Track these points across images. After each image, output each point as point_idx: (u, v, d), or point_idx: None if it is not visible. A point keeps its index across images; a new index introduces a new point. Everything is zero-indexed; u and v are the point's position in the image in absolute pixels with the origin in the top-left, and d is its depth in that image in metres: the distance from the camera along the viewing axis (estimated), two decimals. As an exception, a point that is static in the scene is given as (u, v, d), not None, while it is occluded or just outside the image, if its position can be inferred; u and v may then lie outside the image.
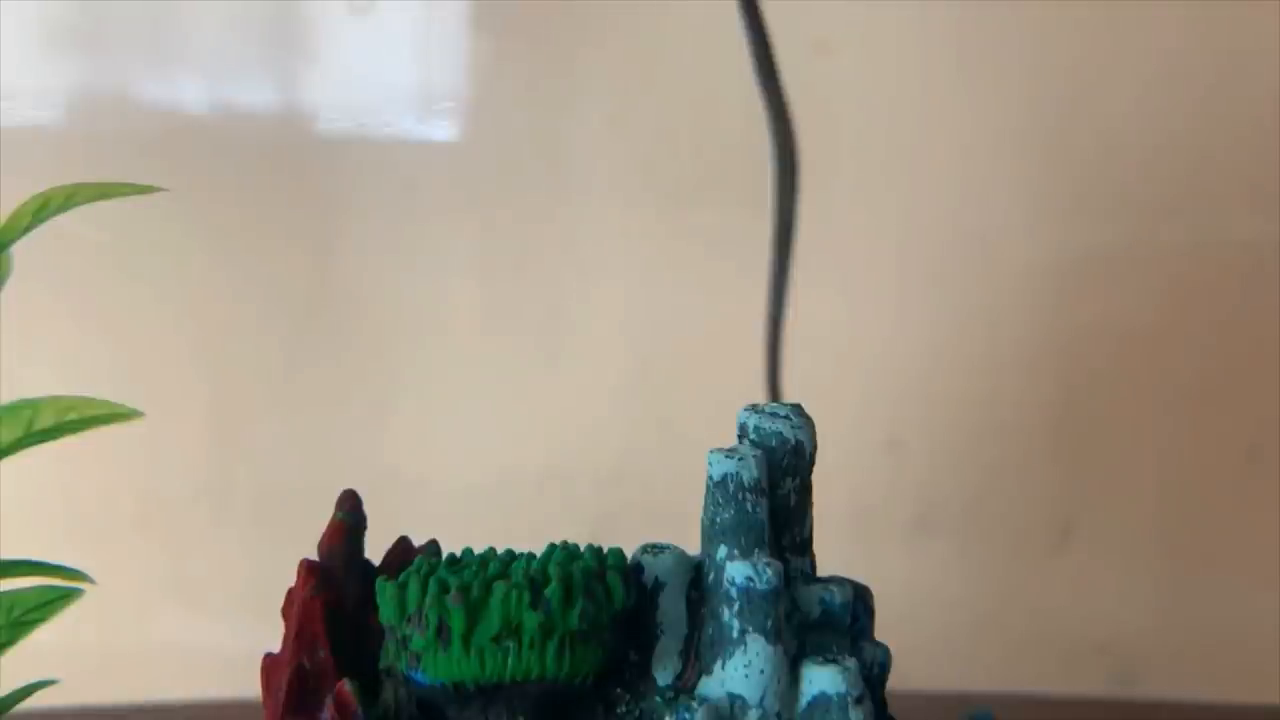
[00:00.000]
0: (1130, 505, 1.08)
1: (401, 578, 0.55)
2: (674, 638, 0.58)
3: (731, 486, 0.57)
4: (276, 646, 0.59)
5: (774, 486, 0.58)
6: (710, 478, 0.57)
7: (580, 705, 0.57)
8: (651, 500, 1.05)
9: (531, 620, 0.54)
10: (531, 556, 0.58)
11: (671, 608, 0.58)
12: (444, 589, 0.54)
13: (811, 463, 0.59)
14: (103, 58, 1.06)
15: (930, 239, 1.06)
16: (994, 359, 1.06)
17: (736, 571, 0.56)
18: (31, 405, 0.63)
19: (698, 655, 0.57)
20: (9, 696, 0.64)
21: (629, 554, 0.58)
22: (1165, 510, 1.08)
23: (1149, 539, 1.08)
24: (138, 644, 1.08)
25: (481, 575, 0.55)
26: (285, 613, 0.59)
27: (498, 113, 1.08)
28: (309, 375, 1.09)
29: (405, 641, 0.55)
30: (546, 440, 1.08)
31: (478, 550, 0.58)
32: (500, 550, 0.58)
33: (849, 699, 0.55)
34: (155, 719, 1.01)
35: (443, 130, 1.08)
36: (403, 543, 0.61)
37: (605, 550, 0.58)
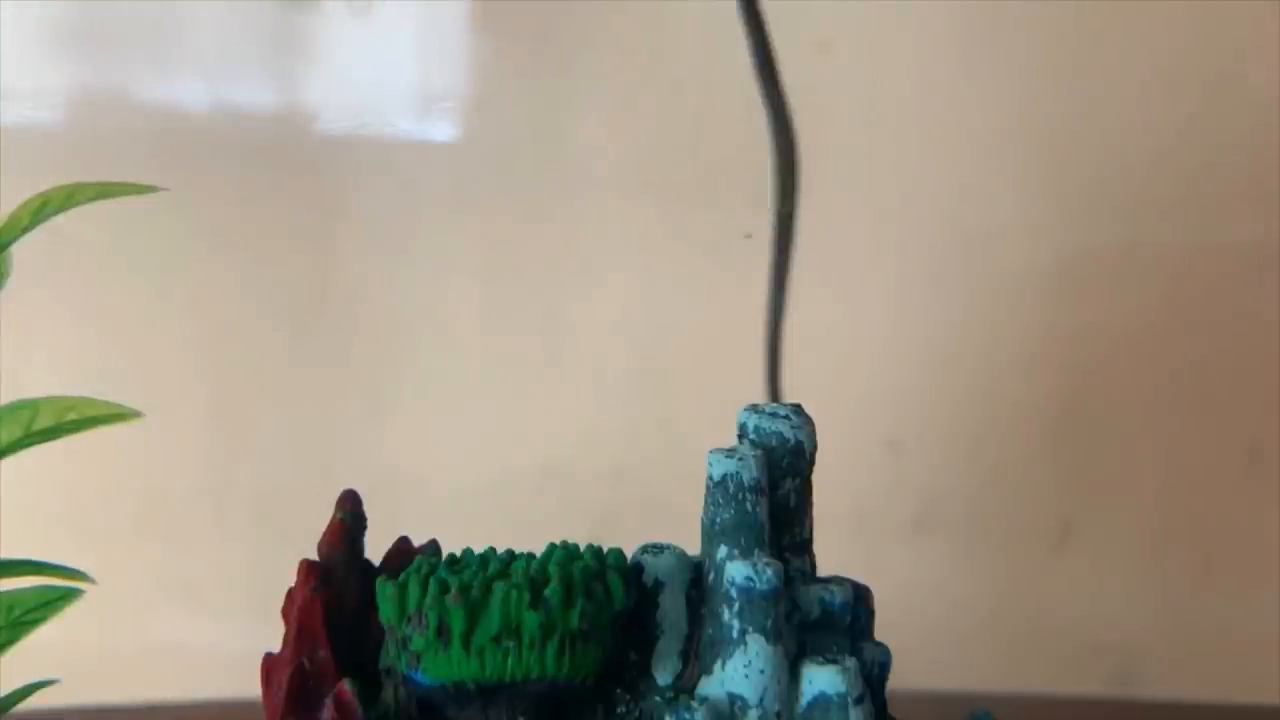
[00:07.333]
0: (1130, 505, 1.08)
1: (401, 578, 0.55)
2: (674, 638, 0.58)
3: (731, 486, 0.57)
4: (276, 646, 0.59)
5: (774, 486, 0.58)
6: (710, 478, 0.57)
7: (580, 705, 0.57)
8: (652, 500, 1.05)
9: (531, 620, 0.54)
10: (531, 556, 0.58)
11: (671, 608, 0.58)
12: (444, 589, 0.54)
13: (811, 463, 0.59)
14: (103, 58, 1.06)
15: (930, 239, 1.06)
16: (994, 359, 1.06)
17: (736, 571, 0.56)
18: (31, 405, 0.64)
19: (698, 655, 0.57)
20: (9, 696, 0.64)
21: (629, 554, 0.58)
22: (1166, 510, 1.08)
23: (1149, 539, 1.08)
24: (138, 644, 1.08)
25: (481, 575, 0.55)
26: (285, 613, 0.59)
27: (498, 113, 1.08)
28: (309, 375, 1.09)
29: (405, 641, 0.55)
30: (546, 440, 1.08)
31: (478, 550, 0.58)
32: (500, 550, 0.58)
33: (849, 699, 0.55)
34: (155, 719, 1.01)
35: (443, 130, 1.08)
36: (403, 543, 0.61)
37: (605, 550, 0.58)
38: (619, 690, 0.57)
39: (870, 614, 0.60)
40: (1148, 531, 1.08)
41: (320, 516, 0.60)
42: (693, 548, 0.59)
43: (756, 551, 0.57)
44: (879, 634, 0.60)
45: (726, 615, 0.56)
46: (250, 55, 1.06)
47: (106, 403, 0.64)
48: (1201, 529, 1.08)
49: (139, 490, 1.08)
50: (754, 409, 0.59)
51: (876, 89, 1.05)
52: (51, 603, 0.65)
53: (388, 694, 0.57)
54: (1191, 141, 1.04)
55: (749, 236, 0.97)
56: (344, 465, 1.06)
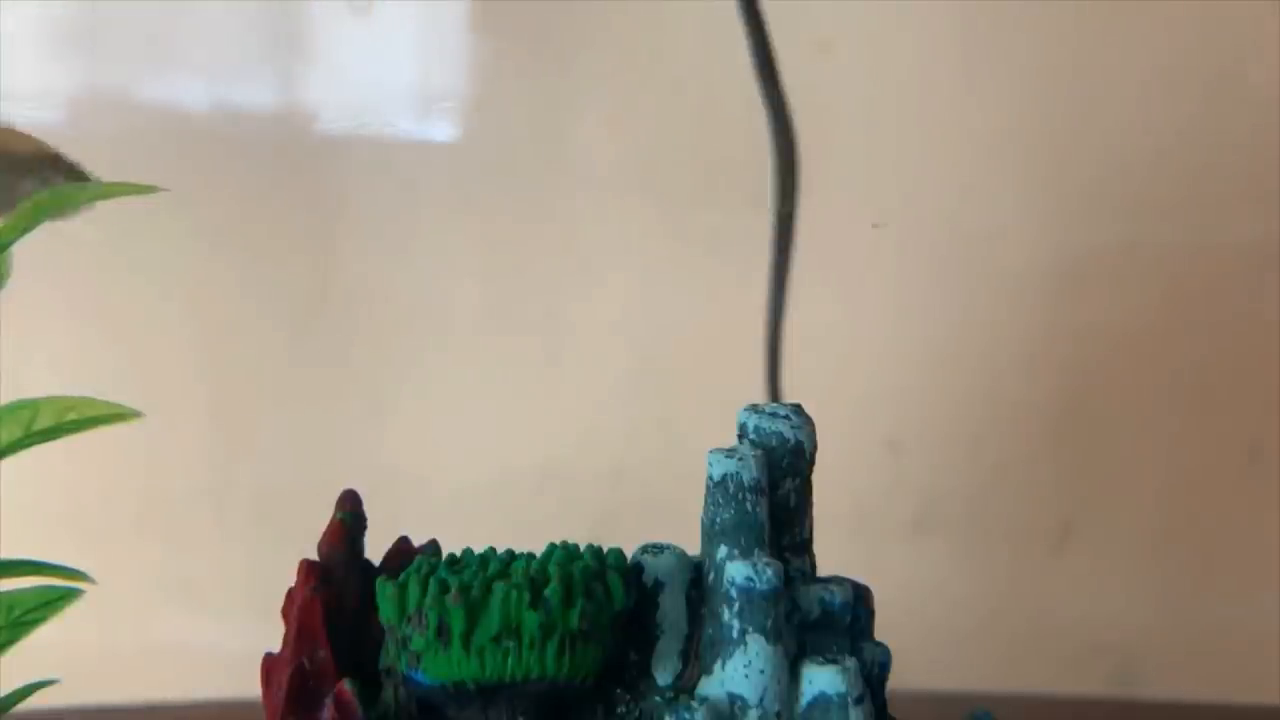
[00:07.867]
0: (1130, 505, 1.08)
1: (401, 578, 0.55)
2: (674, 638, 0.58)
3: (731, 486, 0.57)
4: (276, 646, 0.59)
5: (774, 486, 0.58)
6: (710, 478, 0.57)
7: (580, 705, 0.57)
8: (652, 500, 1.05)
9: (531, 620, 0.54)
10: (531, 556, 0.58)
11: (671, 608, 0.58)
12: (444, 589, 0.54)
13: (811, 463, 0.59)
14: (103, 58, 1.06)
15: (930, 239, 1.06)
16: (994, 359, 1.06)
17: (736, 571, 0.56)
18: (31, 405, 0.64)
19: (698, 655, 0.57)
20: (9, 696, 0.64)
21: (629, 554, 0.58)
22: (1166, 510, 1.08)
23: (1149, 539, 1.08)
24: (138, 644, 1.08)
25: (481, 575, 0.55)
26: (285, 613, 0.59)
27: (498, 113, 1.08)
28: (309, 375, 1.09)
29: (405, 641, 0.55)
30: (546, 440, 1.08)
31: (478, 550, 0.58)
32: (500, 550, 0.58)
33: (849, 699, 0.55)
34: (155, 719, 1.01)
35: (443, 130, 1.09)
36: (403, 543, 0.61)
37: (605, 550, 0.58)
38: (619, 690, 0.57)
39: (870, 614, 0.60)
40: (1148, 531, 1.08)
41: (320, 516, 0.60)
42: (693, 548, 0.59)
43: (756, 551, 0.57)
44: (879, 634, 0.60)
45: (726, 615, 0.56)
46: (250, 55, 1.06)
47: (106, 403, 0.64)
48: (1201, 529, 1.08)
49: (139, 490, 1.08)
50: (754, 409, 0.59)
51: (876, 89, 1.05)
52: (51, 603, 0.65)
53: (388, 694, 0.57)
54: (1191, 141, 1.04)
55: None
56: (344, 465, 1.06)
